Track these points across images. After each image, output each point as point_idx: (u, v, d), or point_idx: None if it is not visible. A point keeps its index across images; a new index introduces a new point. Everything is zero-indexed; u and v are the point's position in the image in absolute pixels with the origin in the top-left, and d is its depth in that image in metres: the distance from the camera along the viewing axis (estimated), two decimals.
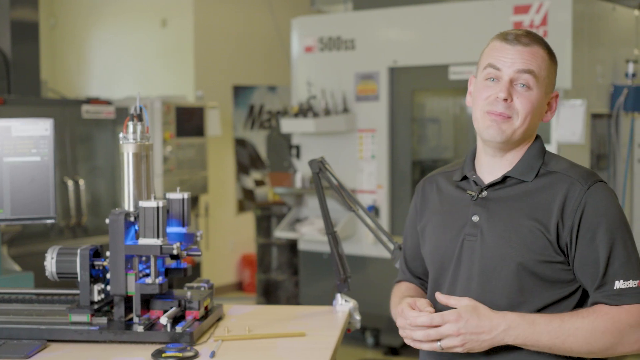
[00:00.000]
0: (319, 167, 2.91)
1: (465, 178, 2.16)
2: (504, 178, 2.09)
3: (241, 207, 8.93)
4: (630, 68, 6.08)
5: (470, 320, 1.94)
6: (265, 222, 7.61)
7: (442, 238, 2.14)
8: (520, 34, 2.06)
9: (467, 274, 2.07)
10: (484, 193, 2.09)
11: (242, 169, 8.95)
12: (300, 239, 6.78)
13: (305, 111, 6.45)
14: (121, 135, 2.59)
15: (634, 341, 1.96)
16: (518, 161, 2.09)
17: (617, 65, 6.18)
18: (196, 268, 7.32)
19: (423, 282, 2.34)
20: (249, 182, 9.01)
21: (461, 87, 6.25)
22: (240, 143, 8.93)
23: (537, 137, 2.15)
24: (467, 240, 2.07)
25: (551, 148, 5.47)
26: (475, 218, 2.08)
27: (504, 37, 2.07)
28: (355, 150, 6.52)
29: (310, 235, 6.57)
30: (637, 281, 1.96)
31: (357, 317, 2.86)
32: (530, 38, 2.06)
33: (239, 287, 8.86)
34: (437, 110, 6.83)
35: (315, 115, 6.43)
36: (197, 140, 7.29)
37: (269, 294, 7.54)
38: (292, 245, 7.35)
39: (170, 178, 6.94)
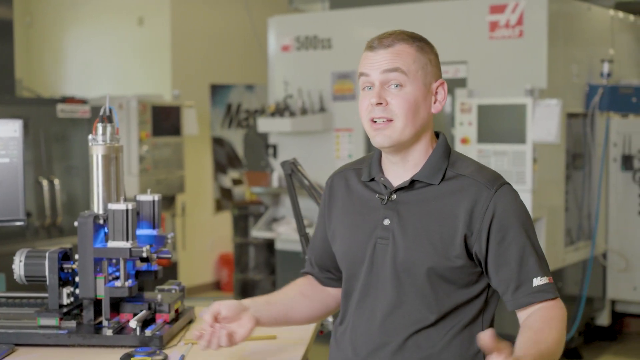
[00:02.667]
0: (291, 169, 2.91)
1: (373, 179, 2.15)
2: (412, 182, 2.07)
3: (219, 207, 8.90)
4: (606, 68, 6.12)
5: None
6: (242, 221, 7.60)
7: (353, 240, 2.13)
8: (384, 37, 2.06)
9: (381, 276, 2.07)
10: (394, 196, 2.08)
11: (220, 168, 8.92)
12: (277, 238, 6.77)
13: (281, 110, 6.43)
14: (90, 136, 2.57)
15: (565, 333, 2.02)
16: (424, 164, 2.08)
17: (592, 64, 6.22)
18: (173, 268, 7.28)
19: (330, 275, 2.32)
20: (226, 181, 8.99)
21: None
22: (218, 142, 8.90)
23: (440, 135, 2.14)
24: (379, 244, 2.07)
25: (527, 147, 5.49)
26: (387, 222, 2.07)
27: (369, 45, 2.08)
28: (332, 149, 6.52)
29: (287, 234, 6.56)
30: (548, 277, 2.01)
31: (330, 319, 2.85)
32: (394, 38, 2.05)
33: (217, 286, 8.83)
34: None
35: (292, 114, 6.42)
36: (174, 140, 7.26)
37: (246, 294, 7.52)
38: (269, 244, 7.34)
39: (147, 178, 6.91)
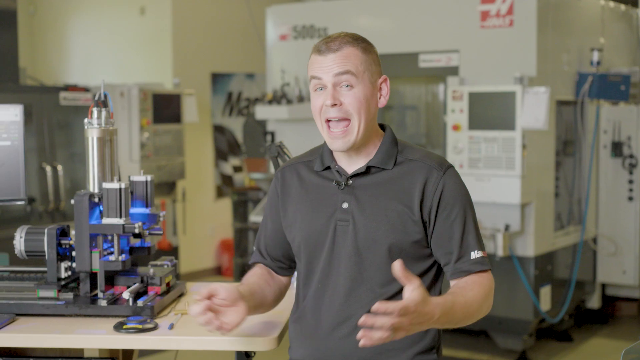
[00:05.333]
0: (277, 152, 3.05)
1: (327, 168, 2.32)
2: (368, 167, 2.27)
3: (220, 193, 9.06)
4: (595, 56, 6.24)
5: (422, 307, 1.98)
6: (241, 207, 7.75)
7: (312, 224, 2.29)
8: (330, 41, 2.22)
9: (342, 255, 2.25)
10: (350, 182, 2.27)
11: (221, 155, 9.08)
12: None
13: (279, 98, 6.59)
14: (86, 120, 2.73)
15: (490, 303, 2.23)
16: (377, 152, 2.28)
17: (582, 53, 6.34)
18: (173, 253, 7.45)
19: (281, 264, 2.48)
20: (227, 168, 9.14)
21: (431, 75, 6.40)
22: (219, 130, 9.05)
23: (387, 127, 2.34)
24: (340, 226, 2.25)
25: (516, 134, 5.63)
26: (345, 205, 2.25)
27: (317, 49, 2.23)
28: None
29: None
30: (483, 252, 2.25)
31: None
32: (340, 41, 2.21)
33: (218, 271, 9.00)
34: (410, 97, 6.98)
35: (289, 102, 6.57)
36: (174, 127, 7.42)
37: None
38: None
39: (148, 164, 7.07)
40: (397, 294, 2.20)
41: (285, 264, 2.47)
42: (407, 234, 2.21)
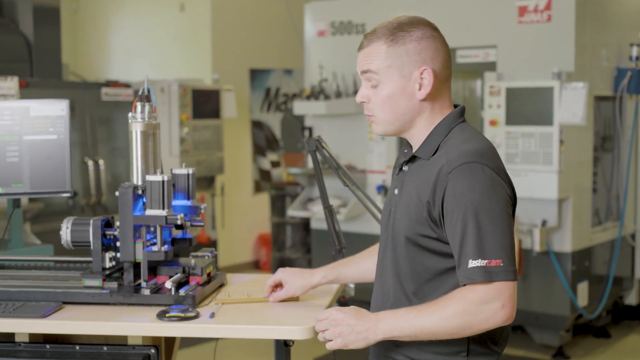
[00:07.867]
0: (316, 146, 3.11)
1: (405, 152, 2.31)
2: (414, 156, 2.20)
3: (258, 188, 9.14)
4: (634, 51, 6.21)
5: (349, 313, 2.12)
6: (279, 201, 7.83)
7: (384, 208, 2.32)
8: (367, 34, 2.17)
9: (388, 243, 2.25)
10: (405, 168, 2.24)
11: (259, 150, 9.16)
12: (313, 217, 6.98)
13: (317, 94, 6.64)
14: (130, 114, 2.80)
15: (485, 318, 2.01)
16: (423, 141, 2.17)
17: (621, 48, 6.32)
18: (212, 246, 7.51)
19: None
20: (265, 163, 9.22)
21: (469, 70, 6.41)
22: (257, 125, 9.13)
23: (451, 113, 2.18)
24: (392, 212, 2.24)
25: (554, 129, 5.63)
26: (396, 191, 2.24)
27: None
28: (366, 131, 6.70)
29: (322, 213, 6.70)
30: (486, 261, 2.00)
31: (351, 285, 3.06)
32: (372, 36, 2.14)
33: (256, 265, 9.09)
34: None
35: (327, 97, 6.62)
36: (213, 122, 7.51)
37: None
38: (305, 224, 7.56)
39: (188, 158, 7.17)
40: (424, 284, 2.15)
41: None
42: (420, 227, 2.11)
